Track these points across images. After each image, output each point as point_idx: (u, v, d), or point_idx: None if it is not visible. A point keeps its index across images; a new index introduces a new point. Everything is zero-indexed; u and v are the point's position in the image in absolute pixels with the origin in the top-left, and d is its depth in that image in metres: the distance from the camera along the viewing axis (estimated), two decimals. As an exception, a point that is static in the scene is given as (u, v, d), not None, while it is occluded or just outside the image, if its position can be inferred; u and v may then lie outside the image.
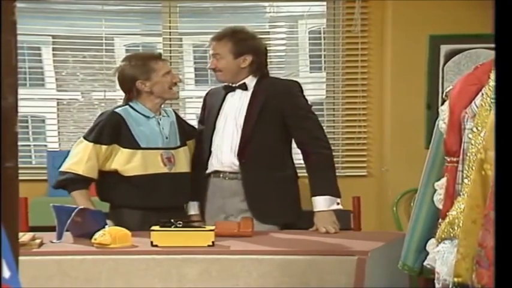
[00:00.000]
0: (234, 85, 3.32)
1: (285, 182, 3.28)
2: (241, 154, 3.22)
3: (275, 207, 3.22)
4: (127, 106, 3.30)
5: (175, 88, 3.38)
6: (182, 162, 3.31)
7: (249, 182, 3.21)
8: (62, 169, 3.21)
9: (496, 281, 1.35)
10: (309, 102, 3.40)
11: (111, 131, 3.20)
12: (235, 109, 3.28)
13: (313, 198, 3.19)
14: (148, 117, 3.28)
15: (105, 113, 3.31)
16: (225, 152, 3.25)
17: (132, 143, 3.21)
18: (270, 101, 3.25)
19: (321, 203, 3.16)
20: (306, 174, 3.28)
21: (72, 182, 3.18)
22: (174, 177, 3.26)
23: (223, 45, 3.29)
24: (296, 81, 3.42)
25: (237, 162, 3.23)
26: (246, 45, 3.30)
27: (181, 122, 3.43)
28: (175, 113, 3.48)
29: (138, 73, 3.27)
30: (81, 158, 3.17)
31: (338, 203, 3.19)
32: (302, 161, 3.33)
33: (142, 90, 3.28)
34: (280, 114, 3.24)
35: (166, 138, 3.28)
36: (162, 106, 3.38)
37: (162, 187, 3.22)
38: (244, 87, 3.30)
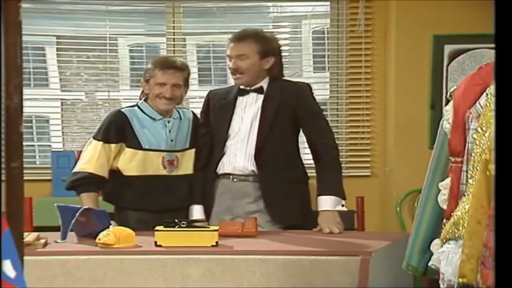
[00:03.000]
0: (249, 88, 3.28)
1: (299, 183, 3.28)
2: (258, 157, 3.19)
3: (291, 209, 3.21)
4: (135, 107, 3.30)
5: (168, 102, 3.21)
6: (187, 165, 3.29)
7: (267, 185, 3.20)
8: (74, 170, 3.22)
9: (496, 281, 1.35)
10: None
11: (116, 129, 3.21)
12: (250, 113, 3.25)
13: (318, 197, 3.19)
14: (154, 119, 3.27)
15: (112, 112, 3.33)
16: (239, 157, 3.22)
17: (134, 143, 3.22)
18: (284, 104, 3.23)
19: (326, 203, 3.15)
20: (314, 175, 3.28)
21: (83, 183, 3.17)
22: (174, 180, 3.24)
23: (248, 46, 3.21)
24: (307, 84, 3.40)
25: (250, 168, 3.20)
26: (271, 46, 3.27)
27: (197, 124, 3.37)
28: (194, 114, 3.40)
29: (145, 73, 3.29)
30: (91, 157, 3.18)
31: (343, 205, 3.18)
32: (309, 162, 3.33)
33: (145, 91, 3.29)
34: (293, 116, 3.23)
35: (172, 140, 3.26)
36: (173, 108, 3.31)
37: (160, 189, 3.21)
38: (260, 90, 3.26)
